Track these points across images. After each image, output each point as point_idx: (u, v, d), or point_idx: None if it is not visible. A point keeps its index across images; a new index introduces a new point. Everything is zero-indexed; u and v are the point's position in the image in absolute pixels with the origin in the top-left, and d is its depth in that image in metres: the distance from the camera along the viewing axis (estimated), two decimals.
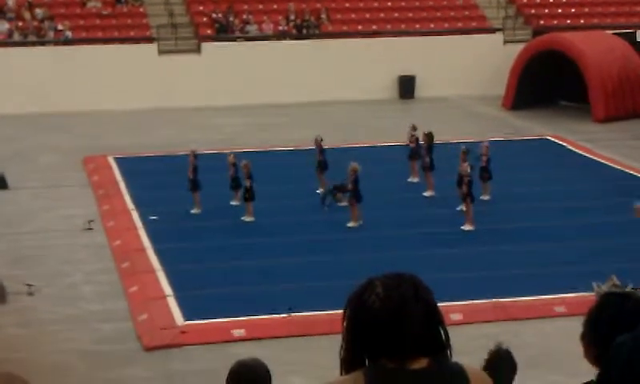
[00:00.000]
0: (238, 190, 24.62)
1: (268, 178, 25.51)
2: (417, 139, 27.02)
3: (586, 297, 18.78)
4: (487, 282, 19.54)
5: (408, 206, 25.01)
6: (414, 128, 27.24)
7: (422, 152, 26.40)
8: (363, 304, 3.19)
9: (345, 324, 3.24)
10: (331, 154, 26.47)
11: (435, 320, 3.22)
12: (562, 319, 17.71)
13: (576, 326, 3.86)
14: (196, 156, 24.73)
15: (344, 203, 24.36)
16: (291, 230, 23.14)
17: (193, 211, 24.46)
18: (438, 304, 3.27)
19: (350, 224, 23.34)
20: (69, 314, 18.67)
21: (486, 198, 25.27)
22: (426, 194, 25.86)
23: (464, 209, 23.42)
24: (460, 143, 25.98)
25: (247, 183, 23.76)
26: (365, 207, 23.41)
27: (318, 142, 26.35)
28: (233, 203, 24.80)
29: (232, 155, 24.94)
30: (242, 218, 23.74)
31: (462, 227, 23.08)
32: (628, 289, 3.83)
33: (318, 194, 25.56)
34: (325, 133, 27.65)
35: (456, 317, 17.45)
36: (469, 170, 23.25)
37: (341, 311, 3.29)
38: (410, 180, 27.10)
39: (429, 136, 26.29)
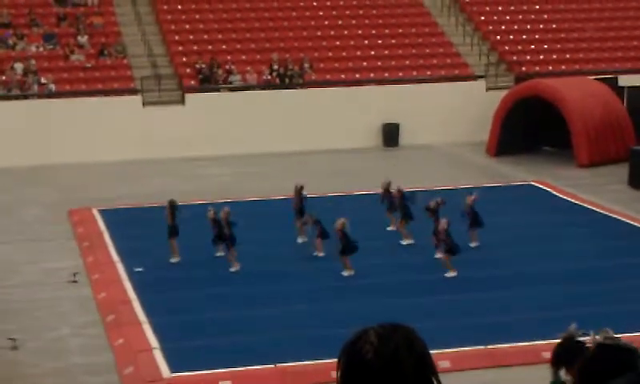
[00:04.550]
0: (220, 243, 24.50)
1: (255, 227, 25.45)
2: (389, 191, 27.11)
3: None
4: (475, 328, 19.49)
5: (393, 254, 24.97)
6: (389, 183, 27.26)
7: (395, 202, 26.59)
8: (357, 353, 3.17)
9: (338, 373, 3.21)
10: (313, 202, 26.46)
11: (428, 371, 3.19)
12: None
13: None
14: (174, 206, 24.62)
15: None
16: (279, 279, 23.06)
17: (172, 260, 24.33)
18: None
19: (346, 273, 23.26)
20: (55, 367, 18.52)
21: (474, 245, 25.26)
22: (403, 242, 25.83)
23: (438, 256, 23.60)
24: (444, 190, 26.03)
25: (226, 230, 23.69)
26: (351, 256, 23.36)
27: (298, 190, 26.37)
28: (218, 255, 24.69)
29: (212, 211, 24.80)
30: (230, 269, 23.67)
31: (446, 275, 23.10)
32: (607, 335, 3.79)
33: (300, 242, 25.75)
34: (309, 182, 27.66)
35: (444, 364, 17.39)
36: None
37: (329, 360, 3.27)
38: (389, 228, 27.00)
39: (387, 185, 26.65)
